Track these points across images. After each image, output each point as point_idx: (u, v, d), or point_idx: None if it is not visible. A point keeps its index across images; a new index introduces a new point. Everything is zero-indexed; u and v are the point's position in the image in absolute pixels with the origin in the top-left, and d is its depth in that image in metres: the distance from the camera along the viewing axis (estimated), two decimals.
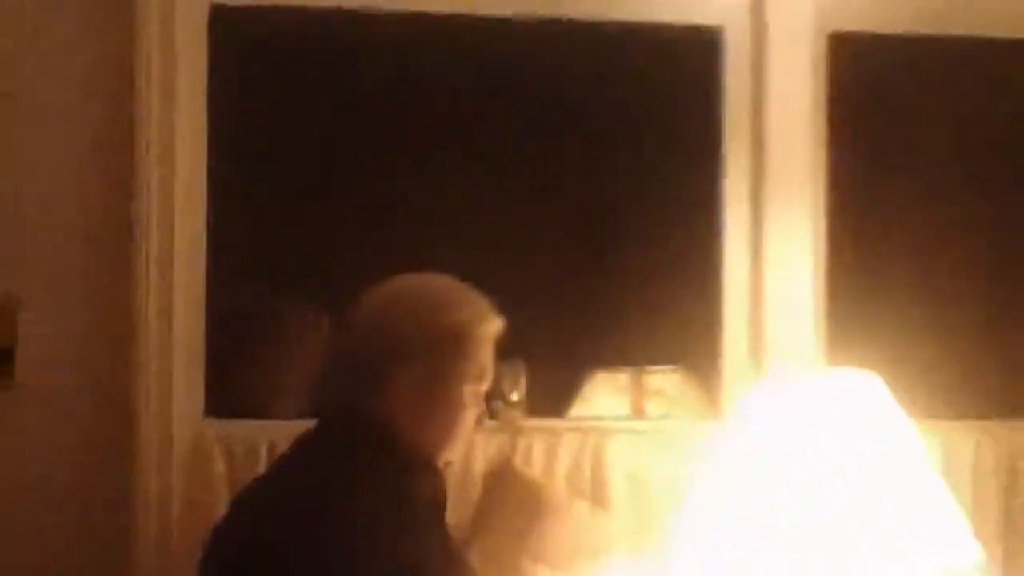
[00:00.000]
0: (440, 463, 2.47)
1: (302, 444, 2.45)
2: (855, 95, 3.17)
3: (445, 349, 2.41)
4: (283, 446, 2.66)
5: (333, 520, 2.26)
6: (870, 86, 3.25)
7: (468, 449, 2.76)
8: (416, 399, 2.40)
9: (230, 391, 3.07)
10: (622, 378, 3.34)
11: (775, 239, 3.06)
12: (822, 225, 3.18)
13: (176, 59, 2.88)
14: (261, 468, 2.85)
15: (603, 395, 3.36)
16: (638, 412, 3.31)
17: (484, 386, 2.53)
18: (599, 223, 3.29)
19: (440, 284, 2.50)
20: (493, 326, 2.50)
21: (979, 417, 3.23)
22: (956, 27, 3.31)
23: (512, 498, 2.58)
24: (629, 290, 3.13)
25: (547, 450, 2.93)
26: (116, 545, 2.89)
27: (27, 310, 2.84)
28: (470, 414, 2.48)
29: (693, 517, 2.73)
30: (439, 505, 2.45)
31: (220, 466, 2.87)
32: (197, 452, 2.89)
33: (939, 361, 3.17)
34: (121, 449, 2.89)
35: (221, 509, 2.75)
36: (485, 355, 2.49)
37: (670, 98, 3.14)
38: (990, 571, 2.97)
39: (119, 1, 2.89)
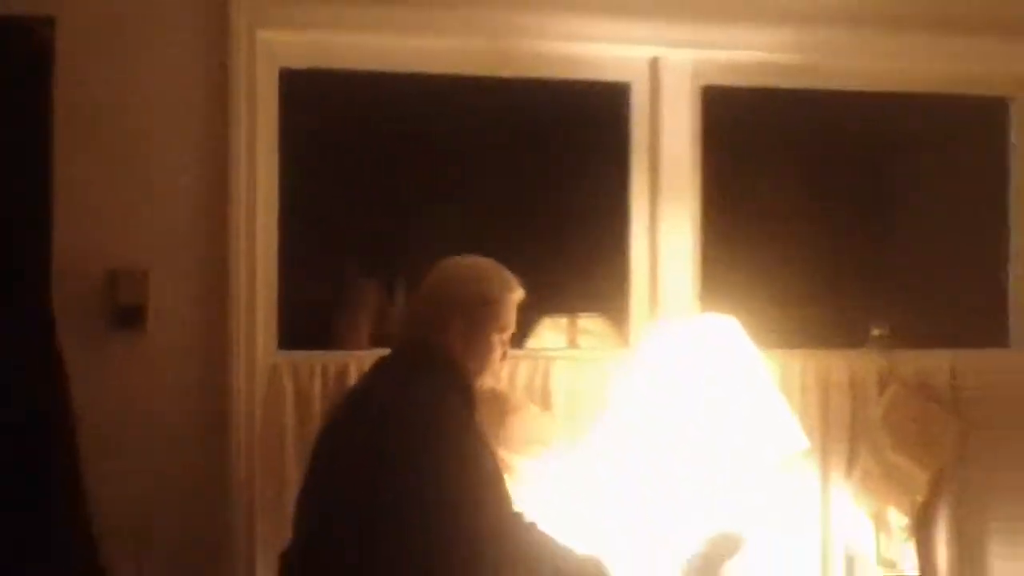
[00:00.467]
0: (475, 382, 3.15)
1: (384, 365, 3.16)
2: (722, 129, 3.75)
3: (481, 310, 3.12)
4: (335, 371, 3.43)
5: (422, 412, 2.93)
6: (733, 122, 3.79)
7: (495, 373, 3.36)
8: (463, 340, 3.10)
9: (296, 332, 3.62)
10: (561, 322, 3.96)
11: (666, 227, 3.76)
12: (697, 217, 3.80)
13: (256, 98, 3.44)
14: (318, 387, 3.46)
15: (548, 334, 3.95)
16: (572, 345, 3.91)
17: (508, 335, 3.22)
18: (549, 224, 3.82)
19: (479, 263, 3.22)
20: (515, 294, 3.20)
21: (804, 347, 3.76)
22: (803, 81, 3.82)
23: (489, 404, 3.36)
24: (569, 265, 3.75)
25: (510, 372, 3.56)
26: (215, 451, 3.43)
27: (154, 275, 3.40)
28: (497, 353, 3.19)
29: (610, 419, 3.44)
30: (473, 408, 3.11)
31: (289, 385, 3.43)
32: (273, 374, 3.44)
33: (777, 308, 3.73)
34: (220, 375, 3.44)
35: (291, 418, 3.44)
36: (509, 314, 3.19)
37: (594, 133, 3.77)
38: (812, 456, 3.68)
39: (218, 66, 3.43)
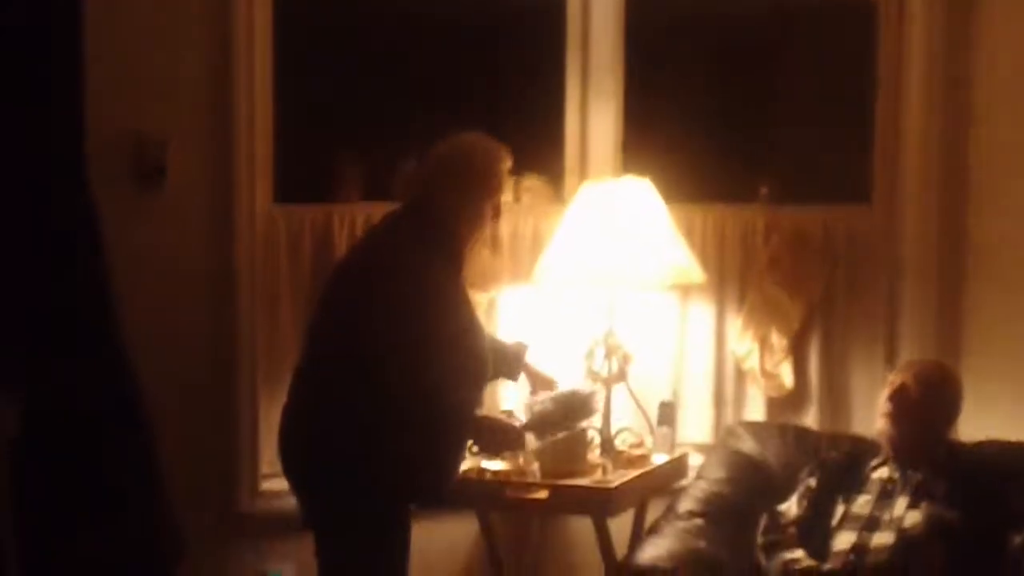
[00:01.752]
0: (466, 245, 3.33)
1: (386, 224, 3.36)
2: (644, 20, 3.98)
3: (475, 178, 3.31)
4: (322, 221, 3.74)
5: (417, 263, 3.20)
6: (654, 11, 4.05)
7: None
8: (459, 204, 3.29)
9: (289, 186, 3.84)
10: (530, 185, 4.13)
11: (594, 102, 4.03)
12: (620, 94, 4.04)
13: None
14: (307, 234, 3.76)
15: None
16: (517, 199, 4.05)
17: (499, 199, 3.38)
18: (499, 101, 4.08)
19: (474, 138, 3.38)
20: (504, 164, 3.37)
21: (704, 203, 4.07)
22: None
23: None
24: (514, 134, 3.72)
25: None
26: (223, 290, 3.69)
27: (172, 142, 3.63)
28: (488, 216, 3.37)
29: (552, 255, 3.77)
30: (459, 267, 3.31)
31: (283, 232, 3.76)
32: (270, 223, 3.75)
33: (683, 170, 4.01)
34: (225, 225, 3.69)
35: (284, 259, 3.76)
36: (500, 182, 3.37)
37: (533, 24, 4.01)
38: (710, 293, 3.99)
39: None
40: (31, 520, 3.05)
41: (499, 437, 3.41)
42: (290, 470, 3.29)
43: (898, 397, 3.37)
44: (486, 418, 3.41)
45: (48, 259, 3.23)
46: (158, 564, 3.24)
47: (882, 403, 3.41)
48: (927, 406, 3.39)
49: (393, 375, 3.12)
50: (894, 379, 3.43)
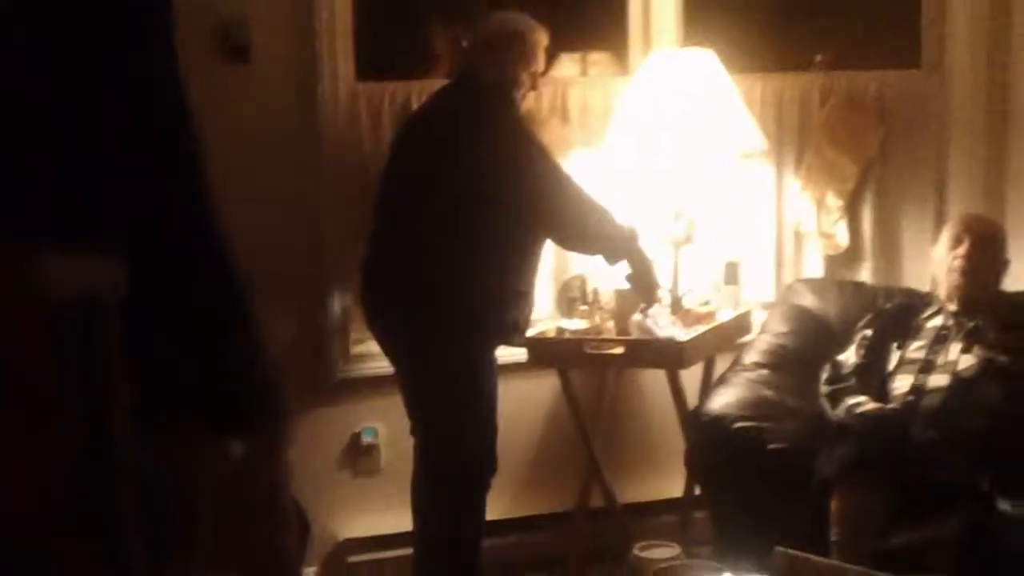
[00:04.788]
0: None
1: (448, 89, 3.48)
2: None
3: (515, 46, 3.44)
4: (401, 98, 3.68)
5: (496, 122, 3.34)
6: None
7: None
8: (506, 70, 3.41)
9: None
10: (576, 56, 4.17)
11: None
12: None
13: None
14: (387, 110, 3.72)
15: (566, 66, 4.15)
16: (584, 73, 4.11)
17: (537, 69, 3.50)
18: None
19: (509, 15, 3.53)
20: (542, 35, 3.49)
21: (764, 71, 4.04)
22: None
23: None
24: (580, 10, 4.07)
25: (538, 96, 3.75)
26: (308, 161, 3.63)
27: (255, 23, 3.52)
28: (529, 83, 3.49)
29: (619, 126, 3.77)
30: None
31: (364, 107, 3.71)
32: (352, 99, 3.72)
33: (744, 40, 4.00)
34: (310, 101, 3.63)
35: (366, 132, 3.70)
36: (539, 52, 3.49)
37: None
38: (770, 157, 4.00)
39: None
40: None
41: (651, 284, 3.46)
42: (385, 318, 3.39)
43: (970, 253, 3.41)
44: (645, 260, 3.44)
45: (143, 129, 3.26)
46: (263, 413, 3.29)
47: (951, 257, 3.44)
48: (990, 260, 3.47)
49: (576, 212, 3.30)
50: (960, 235, 3.47)
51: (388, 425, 3.73)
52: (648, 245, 3.54)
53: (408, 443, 3.47)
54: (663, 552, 2.30)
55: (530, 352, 3.54)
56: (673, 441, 3.69)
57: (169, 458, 2.91)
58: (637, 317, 3.48)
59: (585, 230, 3.37)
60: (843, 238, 4.05)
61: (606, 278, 3.64)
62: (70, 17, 2.95)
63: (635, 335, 3.47)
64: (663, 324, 3.45)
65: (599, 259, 3.51)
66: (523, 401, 3.83)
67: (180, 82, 3.37)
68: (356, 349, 3.79)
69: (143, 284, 3.21)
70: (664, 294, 3.59)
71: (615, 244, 3.41)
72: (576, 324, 3.58)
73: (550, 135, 3.76)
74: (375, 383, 3.68)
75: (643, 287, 3.47)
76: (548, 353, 3.58)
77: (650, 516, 3.80)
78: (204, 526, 2.87)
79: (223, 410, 3.17)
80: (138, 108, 3.27)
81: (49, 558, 2.62)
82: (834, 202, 4.02)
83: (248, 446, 3.10)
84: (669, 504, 3.82)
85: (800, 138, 4.06)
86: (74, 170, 3.13)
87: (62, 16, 3.06)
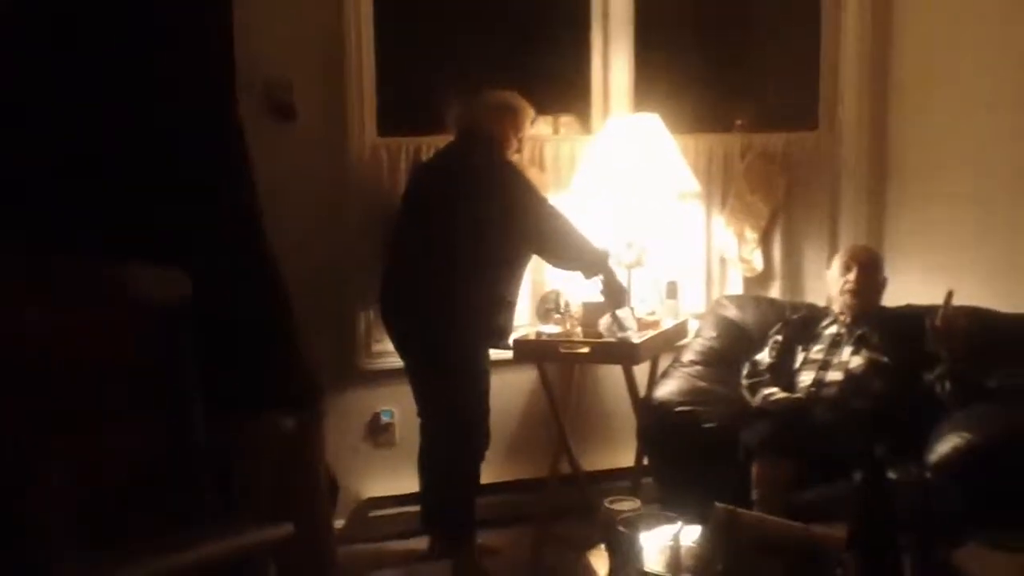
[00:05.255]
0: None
1: (455, 144, 3.48)
2: None
3: (508, 116, 3.52)
4: (413, 149, 3.65)
5: (501, 165, 3.39)
6: None
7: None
8: (500, 131, 3.49)
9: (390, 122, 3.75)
10: (549, 119, 4.04)
11: (614, 57, 3.98)
12: (632, 49, 3.95)
13: None
14: (403, 164, 3.69)
15: (542, 125, 3.97)
16: (556, 131, 4.05)
17: (523, 134, 3.55)
18: (539, 57, 3.94)
19: (509, 94, 3.54)
20: (529, 110, 3.55)
21: (695, 132, 4.04)
22: None
23: None
24: (551, 83, 3.94)
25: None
26: (340, 204, 3.63)
27: (296, 84, 3.56)
28: (516, 144, 3.53)
29: (579, 178, 3.79)
30: None
31: (384, 157, 3.71)
32: (374, 150, 3.73)
33: (681, 106, 3.99)
34: (340, 151, 3.65)
35: (386, 177, 3.70)
36: (526, 122, 3.55)
37: None
38: (701, 199, 4.00)
39: None
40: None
41: (620, 292, 3.51)
42: (400, 324, 3.42)
43: (859, 277, 3.45)
44: (614, 275, 3.49)
45: (211, 171, 3.04)
46: (305, 397, 3.12)
47: (843, 281, 3.47)
48: (873, 282, 3.51)
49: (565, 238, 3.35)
50: (849, 263, 3.50)
51: (401, 408, 3.74)
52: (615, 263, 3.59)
53: (416, 424, 3.52)
54: (627, 504, 2.35)
55: (515, 351, 3.55)
56: (627, 421, 3.72)
57: (237, 432, 2.95)
58: (606, 320, 3.50)
59: (568, 251, 3.43)
60: (758, 263, 4.08)
61: (576, 292, 3.66)
62: (161, 81, 2.92)
63: (605, 334, 3.51)
64: (629, 324, 3.49)
65: (576, 274, 3.52)
66: (509, 389, 3.84)
67: (242, 134, 3.42)
68: (375, 348, 3.79)
69: (210, 294, 3.23)
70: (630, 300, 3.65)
71: (591, 262, 3.46)
72: (551, 328, 3.60)
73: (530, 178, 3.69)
74: (391, 375, 3.69)
75: (613, 294, 3.51)
76: (529, 351, 3.58)
77: (607, 482, 3.79)
78: (263, 485, 2.91)
79: (277, 395, 3.23)
80: (209, 154, 3.30)
81: (151, 505, 2.66)
82: (751, 235, 4.05)
83: (295, 422, 3.17)
84: (623, 472, 3.82)
85: (724, 184, 4.08)
86: (158, 202, 3.14)
87: (154, 79, 3.01)
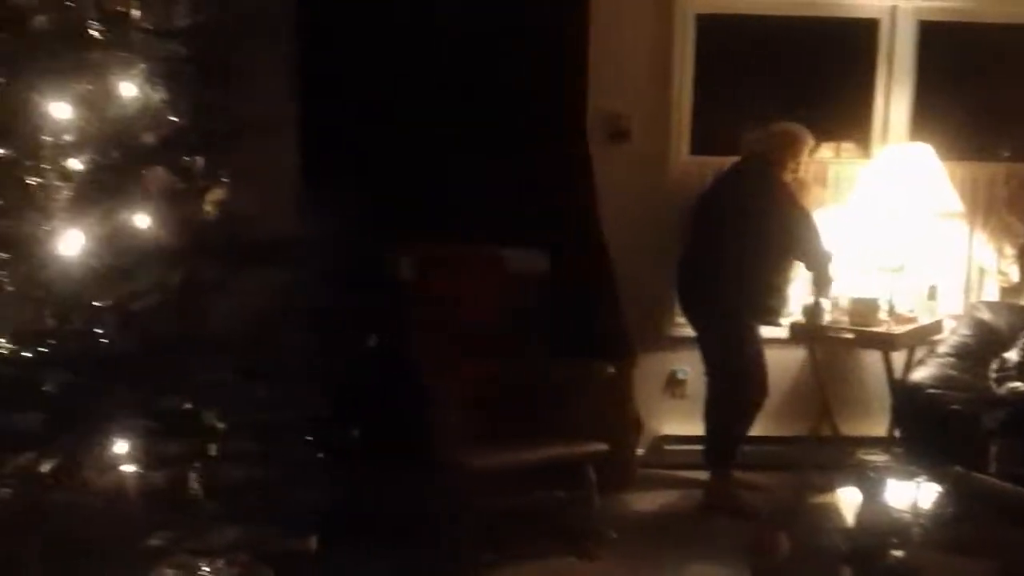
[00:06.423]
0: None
1: (740, 165, 3.60)
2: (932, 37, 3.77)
3: (789, 144, 3.59)
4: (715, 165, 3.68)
5: (778, 191, 3.49)
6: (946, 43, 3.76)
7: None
8: (781, 158, 3.56)
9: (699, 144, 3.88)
10: (832, 145, 3.91)
11: (894, 89, 3.85)
12: (912, 86, 3.82)
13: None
14: (707, 174, 3.76)
15: (825, 151, 3.87)
16: (837, 156, 3.91)
17: (800, 161, 3.58)
18: (827, 100, 3.86)
19: (792, 125, 3.59)
20: (809, 140, 3.60)
21: (964, 160, 3.87)
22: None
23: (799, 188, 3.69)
24: (839, 118, 3.87)
25: (807, 171, 3.71)
26: (661, 207, 3.76)
27: (633, 117, 3.74)
28: (792, 169, 3.57)
29: (858, 196, 3.78)
30: None
31: (694, 172, 3.86)
32: (687, 167, 3.91)
33: (951, 138, 3.83)
34: (662, 167, 3.84)
35: (692, 189, 3.77)
36: (804, 151, 3.60)
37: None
38: (965, 218, 3.83)
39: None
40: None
41: (827, 286, 3.59)
42: (695, 300, 3.59)
43: None
44: (828, 272, 3.57)
45: (565, 179, 3.60)
46: (621, 351, 3.57)
47: None
48: None
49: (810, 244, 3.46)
50: None
51: (693, 368, 3.84)
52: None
53: (703, 381, 3.65)
54: (877, 457, 2.44)
55: (791, 332, 3.66)
56: (882, 398, 3.71)
57: (572, 372, 3.38)
58: (809, 304, 3.59)
59: (816, 258, 3.52)
60: (1014, 276, 3.91)
61: (846, 291, 3.69)
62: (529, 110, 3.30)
63: (803, 317, 3.58)
64: (825, 312, 3.59)
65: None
66: (785, 362, 3.86)
67: (588, 150, 3.75)
68: (677, 319, 3.89)
69: (559, 271, 3.65)
70: (830, 294, 3.65)
71: (824, 263, 3.56)
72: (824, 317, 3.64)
73: (813, 196, 3.78)
74: (685, 341, 3.79)
75: (823, 287, 3.59)
76: (803, 333, 3.68)
77: (860, 446, 3.58)
78: (588, 413, 3.25)
79: (603, 347, 3.61)
80: (565, 167, 3.72)
81: (513, 417, 3.12)
82: (1009, 251, 3.90)
83: (614, 369, 3.54)
84: (875, 440, 3.74)
85: (987, 206, 3.91)
86: (528, 201, 3.59)
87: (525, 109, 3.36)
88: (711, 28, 3.85)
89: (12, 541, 1.23)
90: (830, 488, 2.66)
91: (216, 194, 1.53)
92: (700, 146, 3.94)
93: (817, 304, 3.59)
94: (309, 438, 1.49)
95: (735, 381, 3.54)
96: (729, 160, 3.73)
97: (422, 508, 2.96)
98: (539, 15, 3.52)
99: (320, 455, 1.50)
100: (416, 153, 3.42)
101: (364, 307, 2.21)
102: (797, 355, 3.91)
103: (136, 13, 1.38)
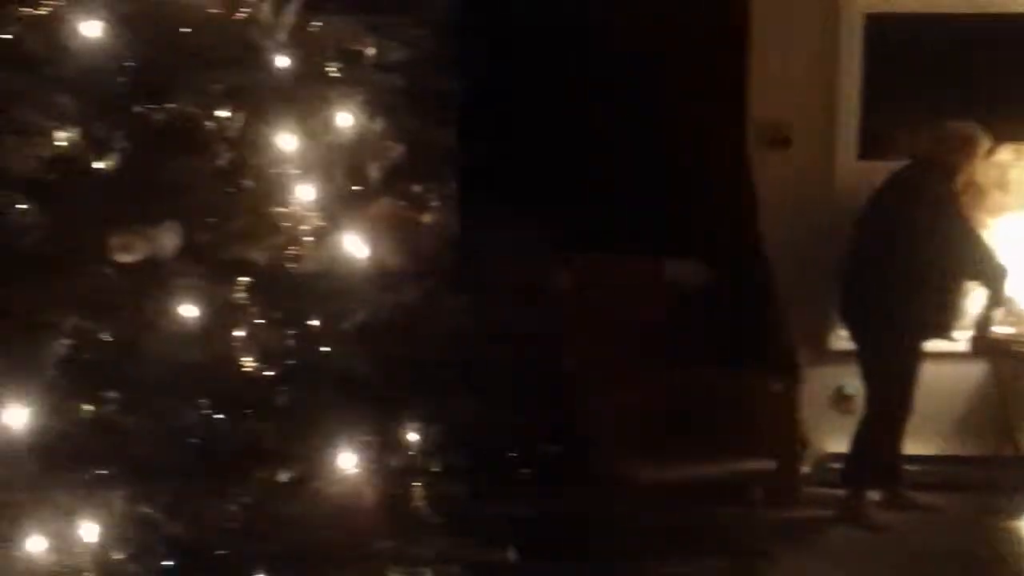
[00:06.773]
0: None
1: (911, 168, 3.46)
2: None
3: (963, 146, 3.41)
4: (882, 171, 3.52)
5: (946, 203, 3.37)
6: None
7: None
8: (954, 162, 3.40)
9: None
10: (1012, 146, 3.67)
11: None
12: None
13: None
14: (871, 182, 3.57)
15: (1005, 152, 3.66)
16: (1020, 159, 3.68)
17: (973, 163, 3.42)
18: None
19: (966, 124, 3.42)
20: (985, 141, 3.43)
21: None
22: None
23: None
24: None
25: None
26: (827, 213, 3.64)
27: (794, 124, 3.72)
28: (966, 171, 3.41)
29: None
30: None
31: (862, 178, 3.67)
32: (854, 173, 3.76)
33: None
34: (826, 173, 3.75)
35: (860, 196, 3.59)
36: (978, 152, 3.43)
37: None
38: None
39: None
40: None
41: (1002, 301, 3.43)
42: (858, 318, 3.50)
43: None
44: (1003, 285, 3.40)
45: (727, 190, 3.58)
46: (787, 366, 3.44)
47: None
48: None
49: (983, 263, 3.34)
50: None
51: (861, 383, 3.66)
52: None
53: None
54: None
55: (973, 345, 3.51)
56: None
57: (737, 387, 3.33)
58: (981, 315, 3.42)
59: (993, 272, 3.38)
60: None
61: None
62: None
63: (976, 329, 3.42)
64: (995, 323, 3.43)
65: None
66: (960, 376, 3.70)
67: (749, 160, 3.75)
68: (843, 333, 3.75)
69: (722, 284, 3.63)
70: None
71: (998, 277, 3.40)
72: (1008, 330, 3.51)
73: (991, 201, 3.62)
74: (851, 355, 3.61)
75: (998, 301, 3.42)
76: (985, 346, 3.52)
77: None
78: (756, 429, 3.22)
79: (767, 361, 3.56)
80: (727, 178, 3.70)
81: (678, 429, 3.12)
82: None
83: (780, 384, 3.49)
84: None
85: None
86: (688, 213, 3.59)
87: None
88: (880, 27, 3.75)
89: (250, 546, 1.33)
90: (1011, 511, 2.52)
91: (428, 218, 1.61)
92: (869, 150, 3.81)
93: (987, 317, 3.43)
94: (513, 454, 1.54)
95: (888, 398, 3.44)
96: (899, 165, 3.57)
97: (585, 521, 2.96)
98: (697, 21, 3.53)
99: (525, 470, 1.53)
100: (576, 166, 3.47)
101: (531, 321, 2.25)
102: (973, 370, 3.72)
103: (371, 51, 1.47)
